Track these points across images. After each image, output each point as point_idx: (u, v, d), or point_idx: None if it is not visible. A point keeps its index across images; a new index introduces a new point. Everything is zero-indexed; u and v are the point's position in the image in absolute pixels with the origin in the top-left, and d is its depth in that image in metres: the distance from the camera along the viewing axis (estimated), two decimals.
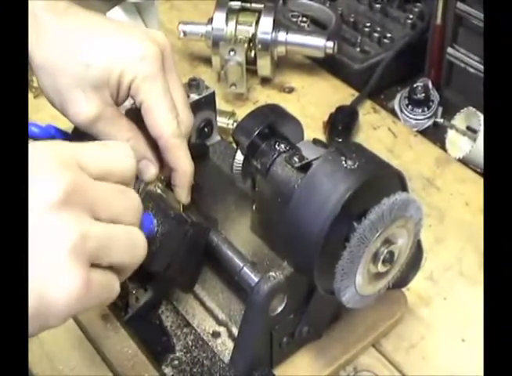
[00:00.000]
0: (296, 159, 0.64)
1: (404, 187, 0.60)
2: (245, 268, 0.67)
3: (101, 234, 0.47)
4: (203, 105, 0.75)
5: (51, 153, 0.47)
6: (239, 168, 0.68)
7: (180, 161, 0.64)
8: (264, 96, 1.05)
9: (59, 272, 0.44)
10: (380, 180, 0.58)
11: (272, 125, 0.67)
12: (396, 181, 0.60)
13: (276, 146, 0.66)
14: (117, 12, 1.02)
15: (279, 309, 0.65)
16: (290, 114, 0.69)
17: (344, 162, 0.58)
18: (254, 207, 0.69)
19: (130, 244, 0.50)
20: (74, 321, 0.78)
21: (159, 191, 0.66)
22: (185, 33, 1.09)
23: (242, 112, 1.00)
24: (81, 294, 0.45)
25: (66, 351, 0.76)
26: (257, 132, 0.66)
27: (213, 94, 0.75)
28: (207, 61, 1.11)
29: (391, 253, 0.59)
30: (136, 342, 0.73)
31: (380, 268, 0.60)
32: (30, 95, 1.09)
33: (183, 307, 0.74)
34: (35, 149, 0.47)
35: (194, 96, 0.74)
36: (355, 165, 0.58)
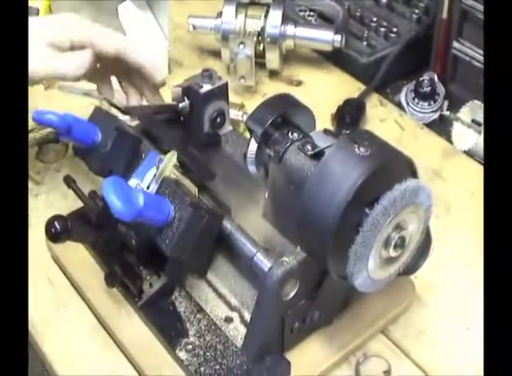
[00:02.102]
0: (309, 147, 0.66)
1: (414, 174, 0.62)
2: (258, 254, 0.68)
3: None
4: (216, 95, 0.76)
5: None
6: (253, 157, 0.69)
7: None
8: (272, 89, 1.07)
9: None
10: (391, 167, 0.60)
11: (285, 114, 0.69)
12: (407, 168, 0.61)
13: (289, 135, 0.67)
14: (128, 5, 1.03)
15: (292, 294, 0.66)
16: (303, 104, 0.70)
17: (356, 149, 0.59)
18: (266, 195, 0.71)
19: None
20: (89, 308, 0.79)
21: (175, 178, 0.67)
22: (194, 26, 1.10)
23: (251, 104, 1.02)
24: None
25: (81, 337, 0.78)
26: (270, 121, 0.68)
27: (226, 84, 0.77)
28: (216, 54, 1.12)
29: (402, 238, 0.61)
30: (150, 328, 0.75)
31: (392, 253, 0.61)
32: (41, 87, 1.10)
33: (196, 293, 0.76)
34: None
35: (207, 86, 0.75)
36: (368, 152, 0.59)
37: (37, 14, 1.15)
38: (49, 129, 1.01)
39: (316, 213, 0.59)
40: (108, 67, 0.84)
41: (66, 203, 0.90)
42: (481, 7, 0.96)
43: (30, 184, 0.95)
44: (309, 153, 0.65)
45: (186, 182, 0.68)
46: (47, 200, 0.93)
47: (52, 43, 0.77)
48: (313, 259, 0.64)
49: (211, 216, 0.66)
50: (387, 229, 0.59)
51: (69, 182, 0.79)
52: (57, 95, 1.08)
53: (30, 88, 1.06)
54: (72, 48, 0.79)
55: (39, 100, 1.08)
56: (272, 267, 0.65)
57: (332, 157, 0.60)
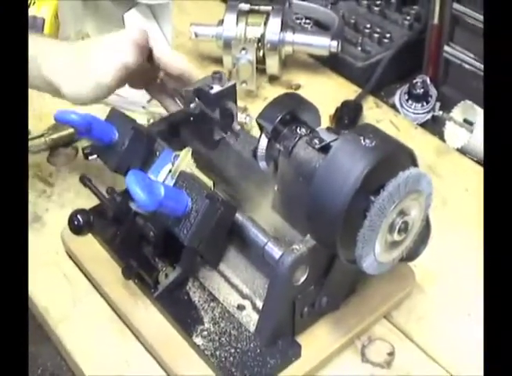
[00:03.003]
0: (316, 141, 0.70)
1: (415, 164, 0.66)
2: (269, 243, 0.73)
3: None
4: (225, 96, 0.81)
5: None
6: (263, 152, 0.74)
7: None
8: (272, 93, 1.10)
9: None
10: (394, 157, 0.65)
11: (293, 112, 0.73)
12: (409, 158, 0.66)
13: (297, 130, 0.72)
14: (133, 14, 1.08)
15: (302, 280, 0.71)
16: (309, 101, 0.75)
17: (362, 141, 0.64)
18: (276, 188, 0.75)
19: None
20: (105, 301, 0.83)
21: (191, 172, 0.72)
22: (196, 34, 1.15)
23: (253, 108, 1.07)
24: None
25: (98, 329, 0.81)
26: (279, 118, 0.72)
27: (234, 86, 0.81)
28: (217, 61, 1.17)
29: (406, 223, 0.66)
30: (166, 317, 0.78)
31: (396, 237, 0.66)
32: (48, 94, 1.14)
33: (209, 283, 0.80)
34: None
35: (217, 88, 0.80)
36: (373, 144, 0.64)
37: (43, 24, 1.19)
38: (59, 134, 1.05)
39: (326, 201, 0.64)
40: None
41: (78, 203, 0.94)
42: (471, 12, 1.01)
43: (43, 186, 0.99)
44: (317, 146, 0.70)
45: (202, 176, 0.72)
46: (59, 201, 0.97)
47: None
48: (323, 246, 0.68)
49: (226, 208, 0.70)
50: (391, 214, 0.64)
51: (85, 181, 0.83)
52: (65, 102, 1.12)
53: (37, 95, 1.11)
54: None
55: (48, 106, 1.11)
56: (283, 254, 0.69)
57: (339, 149, 0.64)
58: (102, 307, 0.83)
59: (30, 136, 1.05)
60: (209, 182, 0.72)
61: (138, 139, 0.77)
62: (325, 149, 0.69)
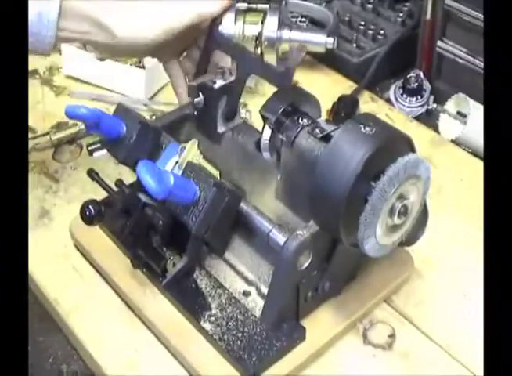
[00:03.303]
0: (318, 131, 0.73)
1: (413, 150, 0.69)
2: (273, 230, 0.75)
3: None
4: (228, 90, 0.83)
5: None
6: (267, 142, 0.77)
7: None
8: (270, 89, 1.14)
9: None
10: (394, 143, 0.68)
11: (294, 103, 0.76)
12: (407, 145, 0.69)
13: (299, 121, 0.75)
14: None
15: (306, 265, 0.74)
16: (310, 93, 0.78)
17: (362, 129, 0.67)
18: (278, 178, 0.78)
19: None
20: (114, 291, 0.86)
21: (198, 163, 0.75)
22: None
23: (253, 103, 1.10)
24: None
25: (108, 318, 0.84)
26: (281, 110, 0.75)
27: (236, 81, 0.84)
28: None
29: (405, 207, 0.69)
30: (175, 304, 0.81)
31: (396, 220, 0.69)
32: (52, 94, 1.17)
33: (215, 271, 0.83)
34: None
35: (220, 82, 0.83)
36: (373, 131, 0.67)
37: None
38: (64, 132, 1.08)
39: (328, 187, 0.67)
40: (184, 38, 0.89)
41: (84, 198, 0.95)
42: (463, 8, 1.04)
43: (50, 182, 1.01)
44: (318, 136, 0.73)
45: (208, 166, 0.75)
46: (65, 196, 0.99)
47: None
48: (326, 230, 0.71)
49: (232, 196, 0.73)
50: (391, 198, 0.67)
51: (92, 175, 0.86)
52: (68, 101, 1.15)
53: (41, 96, 1.14)
54: None
55: (51, 106, 1.15)
56: (287, 240, 0.72)
57: (341, 137, 0.68)
58: (111, 297, 0.86)
59: (34, 135, 1.08)
60: (215, 172, 0.75)
61: (145, 133, 0.79)
62: (326, 138, 0.72)
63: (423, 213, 0.77)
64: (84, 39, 0.84)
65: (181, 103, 0.90)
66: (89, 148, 1.04)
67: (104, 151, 1.03)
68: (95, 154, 1.05)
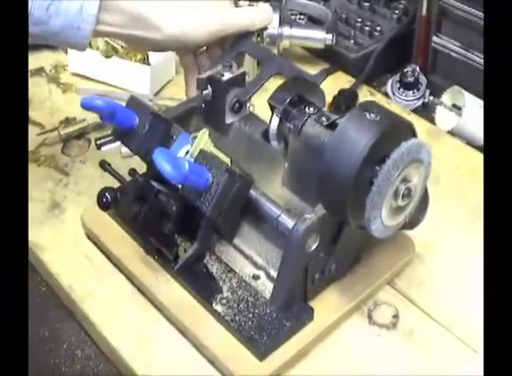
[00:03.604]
0: (324, 119, 0.77)
1: (415, 135, 0.73)
2: (282, 215, 0.79)
3: None
4: (236, 82, 0.87)
5: None
6: (275, 131, 0.80)
7: None
8: (272, 85, 1.17)
9: None
10: (397, 129, 0.71)
11: (301, 93, 0.80)
12: (409, 130, 0.73)
13: (306, 110, 0.79)
14: None
15: (313, 247, 0.77)
16: (315, 84, 0.82)
17: (368, 115, 0.70)
18: (286, 165, 0.82)
19: None
20: (127, 278, 0.89)
21: (210, 150, 0.78)
22: None
23: (255, 98, 1.12)
24: None
25: (122, 303, 0.87)
26: (289, 100, 0.79)
27: (243, 73, 0.88)
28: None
29: (409, 189, 0.72)
30: (187, 289, 0.84)
31: (400, 202, 0.72)
32: (59, 91, 1.20)
33: (225, 256, 0.86)
34: None
35: (228, 75, 0.86)
36: (378, 118, 0.70)
37: None
38: (72, 127, 1.11)
39: (336, 170, 0.70)
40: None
41: (93, 190, 0.98)
42: (457, 4, 1.08)
43: (60, 175, 1.04)
44: (325, 123, 0.76)
45: (220, 154, 0.78)
46: (75, 189, 1.02)
47: None
48: (333, 214, 0.75)
49: (243, 181, 0.76)
50: (396, 181, 0.71)
51: (105, 166, 0.89)
52: (75, 98, 1.18)
53: (48, 93, 1.17)
54: None
55: (58, 103, 1.18)
56: (296, 223, 0.76)
57: (347, 123, 0.71)
58: (123, 283, 0.89)
59: (43, 130, 1.11)
60: (227, 159, 0.78)
61: (157, 124, 0.83)
62: (332, 125, 0.76)
63: (425, 197, 0.80)
64: (124, 33, 0.86)
65: (189, 97, 0.93)
66: (97, 142, 1.07)
67: (112, 145, 1.07)
68: (103, 148, 1.08)
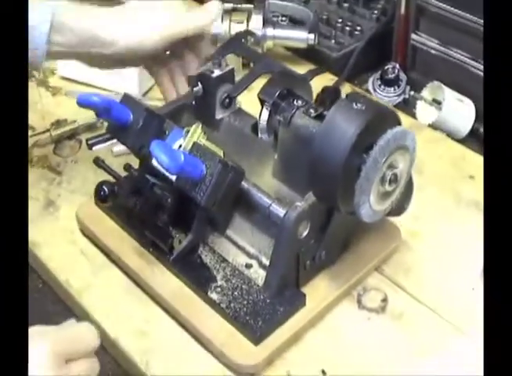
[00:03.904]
0: (312, 111, 0.80)
1: (400, 124, 0.76)
2: (273, 204, 0.82)
3: None
4: (225, 79, 0.90)
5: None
6: (265, 124, 0.83)
7: None
8: (257, 84, 1.21)
9: None
10: (383, 117, 0.75)
11: (289, 87, 0.83)
12: (394, 119, 0.76)
13: (295, 103, 0.82)
14: None
15: (304, 234, 0.80)
16: (303, 77, 0.85)
17: (354, 105, 0.74)
18: (276, 157, 0.85)
19: None
20: (122, 272, 0.91)
21: (203, 143, 0.81)
22: None
23: (241, 97, 1.16)
24: None
25: (119, 296, 0.89)
26: (278, 93, 0.82)
27: (232, 70, 0.91)
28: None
29: (395, 175, 0.76)
30: (182, 279, 0.87)
31: (387, 187, 0.76)
32: (48, 94, 1.23)
33: (218, 247, 0.89)
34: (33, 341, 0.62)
35: (217, 72, 0.89)
36: (364, 107, 0.74)
37: None
38: (63, 129, 1.13)
39: (326, 158, 0.74)
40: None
41: (86, 188, 1.02)
42: (434, 2, 1.12)
43: (53, 174, 1.07)
44: (313, 115, 0.80)
45: (212, 146, 0.81)
46: (69, 187, 1.05)
47: None
48: (324, 201, 0.78)
49: (236, 172, 0.79)
50: (383, 167, 0.74)
51: (99, 163, 0.92)
52: (65, 101, 1.21)
53: (38, 96, 1.19)
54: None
55: (49, 106, 1.20)
56: (287, 211, 0.79)
57: (335, 113, 0.74)
58: (119, 277, 0.91)
59: (35, 132, 1.13)
60: (219, 152, 0.81)
61: (151, 119, 0.86)
62: (320, 117, 0.79)
63: (409, 185, 0.84)
64: (81, 52, 0.89)
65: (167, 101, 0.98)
66: (89, 142, 1.10)
67: (103, 145, 1.09)
68: (95, 148, 1.10)
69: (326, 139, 0.74)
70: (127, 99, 0.87)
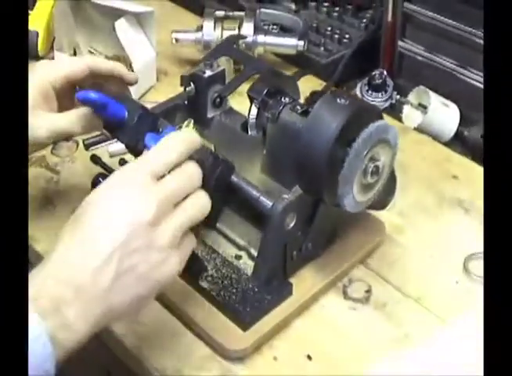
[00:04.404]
0: (298, 107, 0.84)
1: (381, 118, 0.80)
2: (261, 196, 0.85)
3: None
4: (216, 79, 0.94)
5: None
6: (254, 120, 0.87)
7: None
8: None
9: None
10: (365, 111, 0.79)
11: (277, 85, 0.87)
12: (376, 114, 0.80)
13: (282, 100, 0.86)
14: (122, 23, 1.21)
15: (291, 225, 0.84)
16: (290, 76, 0.89)
17: (338, 100, 0.78)
18: (264, 152, 0.89)
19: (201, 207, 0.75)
20: None
21: None
22: (177, 40, 1.29)
23: (231, 100, 1.20)
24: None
25: None
26: (266, 91, 0.86)
27: (223, 71, 0.95)
28: (195, 64, 1.28)
29: (377, 167, 0.79)
30: None
31: (369, 179, 0.80)
32: None
33: (209, 240, 0.92)
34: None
35: (209, 72, 0.93)
36: (347, 102, 0.78)
37: (37, 37, 1.31)
38: None
39: (311, 151, 0.77)
40: None
41: (83, 186, 1.05)
42: (420, 10, 1.17)
43: (51, 174, 1.11)
44: (299, 111, 0.84)
45: (204, 141, 0.85)
46: (66, 186, 1.09)
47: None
48: (310, 193, 0.82)
49: (226, 165, 0.83)
50: (365, 160, 0.78)
51: (96, 160, 0.96)
52: None
53: None
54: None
55: None
56: (275, 203, 0.83)
57: (320, 107, 0.78)
58: None
59: None
60: (210, 146, 0.85)
61: (146, 117, 0.89)
62: (306, 113, 0.83)
63: (392, 179, 0.88)
64: None
65: None
66: (85, 143, 1.14)
67: (99, 145, 1.13)
68: (91, 149, 1.14)
69: (311, 133, 0.78)
70: (122, 97, 0.90)
